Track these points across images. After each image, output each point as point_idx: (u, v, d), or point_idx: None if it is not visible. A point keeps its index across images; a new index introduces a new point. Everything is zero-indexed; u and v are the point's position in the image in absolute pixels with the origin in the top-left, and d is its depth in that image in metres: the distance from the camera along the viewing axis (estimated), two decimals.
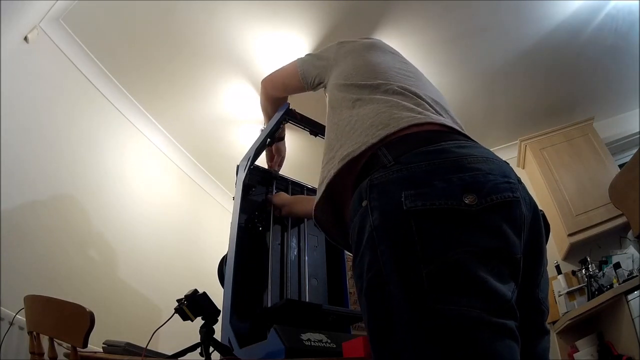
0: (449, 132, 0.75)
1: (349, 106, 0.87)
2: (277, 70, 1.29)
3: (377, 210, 0.64)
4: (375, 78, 0.90)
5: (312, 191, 1.90)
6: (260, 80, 1.37)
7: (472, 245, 0.58)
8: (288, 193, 1.80)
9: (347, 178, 0.77)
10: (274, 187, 1.73)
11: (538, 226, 0.70)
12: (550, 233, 0.77)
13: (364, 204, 0.66)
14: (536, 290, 0.69)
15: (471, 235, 0.59)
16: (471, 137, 0.79)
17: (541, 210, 0.73)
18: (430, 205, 0.60)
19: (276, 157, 1.60)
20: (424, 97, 0.85)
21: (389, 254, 0.60)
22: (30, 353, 1.08)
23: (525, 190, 0.70)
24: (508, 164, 0.71)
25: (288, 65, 1.21)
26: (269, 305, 1.38)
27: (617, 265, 2.44)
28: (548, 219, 0.77)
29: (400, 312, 0.57)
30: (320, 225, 0.89)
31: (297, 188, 1.85)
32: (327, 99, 1.01)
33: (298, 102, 1.57)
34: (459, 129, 0.79)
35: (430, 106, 0.83)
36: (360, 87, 0.90)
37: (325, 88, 1.09)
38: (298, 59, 1.18)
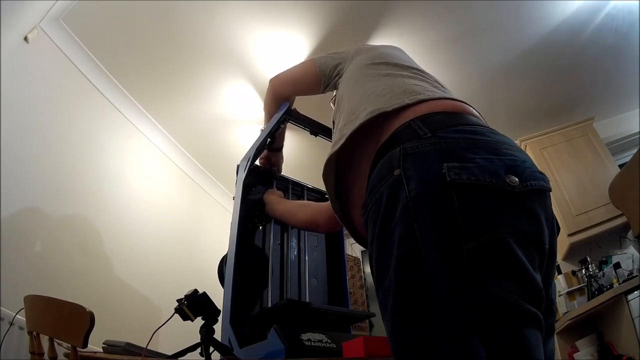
0: (480, 119, 0.76)
1: (377, 78, 0.84)
2: (288, 69, 1.28)
3: (414, 180, 0.60)
4: (403, 63, 0.90)
5: (312, 191, 1.90)
6: (269, 80, 1.35)
7: (514, 227, 0.56)
8: (288, 193, 1.80)
9: (368, 144, 0.73)
10: (274, 187, 1.73)
11: (554, 228, 0.67)
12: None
13: (396, 172, 0.62)
14: (548, 289, 0.65)
15: (513, 217, 0.57)
16: None
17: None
18: (476, 180, 0.57)
19: (269, 166, 1.56)
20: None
21: (428, 228, 0.56)
22: (30, 353, 1.08)
23: None
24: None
25: (302, 62, 1.21)
26: (269, 305, 1.38)
27: (617, 265, 2.44)
28: None
29: (439, 289, 0.53)
30: (325, 182, 0.82)
31: (297, 188, 1.86)
32: (345, 82, 0.98)
33: (299, 103, 1.57)
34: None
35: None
36: (390, 65, 0.88)
37: (339, 82, 1.06)
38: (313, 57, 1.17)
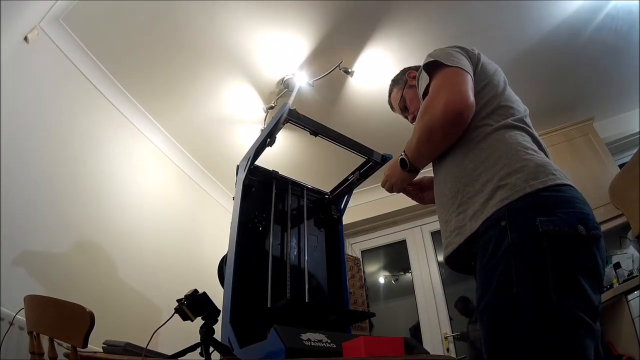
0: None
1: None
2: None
3: (516, 229, 0.83)
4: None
5: (312, 191, 1.90)
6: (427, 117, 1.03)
7: (581, 263, 0.80)
8: (287, 192, 1.80)
9: None
10: (274, 187, 1.73)
11: (604, 256, 0.89)
12: None
13: (502, 224, 0.85)
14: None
15: (581, 256, 0.81)
16: None
17: None
18: (559, 229, 0.81)
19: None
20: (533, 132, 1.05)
21: (521, 263, 0.81)
22: (30, 353, 1.08)
23: None
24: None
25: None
26: (269, 305, 1.38)
27: (617, 265, 2.44)
28: None
29: (526, 306, 0.78)
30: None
31: (297, 188, 1.86)
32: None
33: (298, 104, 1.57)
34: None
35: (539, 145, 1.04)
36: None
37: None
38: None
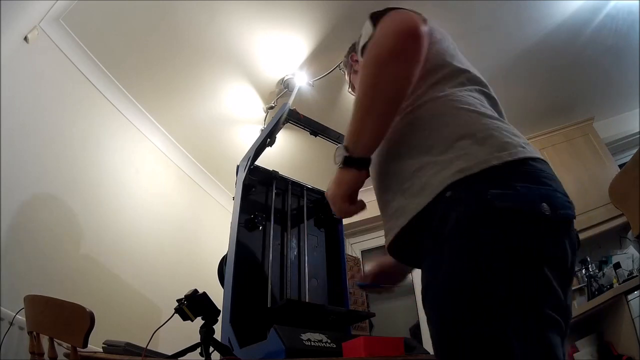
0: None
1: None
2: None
3: (463, 203, 0.68)
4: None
5: (312, 191, 1.90)
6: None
7: (545, 249, 0.66)
8: (287, 192, 1.80)
9: None
10: (274, 187, 1.73)
11: (576, 245, 0.75)
12: None
13: (447, 194, 0.69)
14: (565, 299, 0.75)
15: (545, 241, 0.67)
16: None
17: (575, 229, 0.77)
18: (516, 206, 0.66)
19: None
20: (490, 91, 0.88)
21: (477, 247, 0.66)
22: (30, 353, 1.08)
23: None
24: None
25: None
26: (269, 305, 1.38)
27: (617, 265, 2.44)
28: None
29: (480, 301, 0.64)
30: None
31: (297, 188, 1.86)
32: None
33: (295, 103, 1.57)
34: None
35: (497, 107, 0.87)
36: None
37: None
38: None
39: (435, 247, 0.70)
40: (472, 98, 0.82)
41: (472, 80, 0.87)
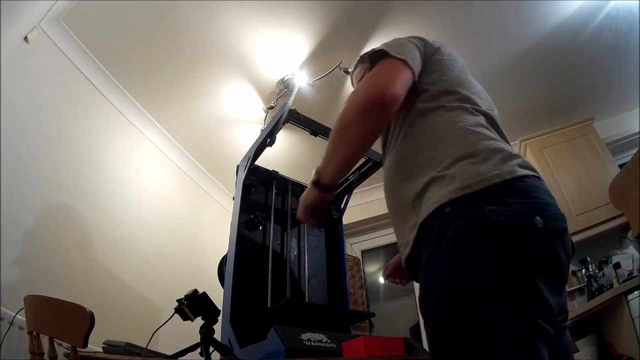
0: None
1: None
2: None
3: (460, 218, 0.74)
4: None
5: None
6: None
7: (538, 260, 0.71)
8: (287, 192, 1.80)
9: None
10: (274, 187, 1.73)
11: (570, 252, 0.80)
12: None
13: (447, 210, 0.75)
14: (559, 299, 0.79)
15: (539, 251, 0.72)
16: None
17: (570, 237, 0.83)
18: (511, 221, 0.72)
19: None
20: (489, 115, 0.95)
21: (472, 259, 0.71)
22: (30, 353, 1.08)
23: None
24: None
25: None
26: (269, 305, 1.38)
27: (617, 265, 2.44)
28: None
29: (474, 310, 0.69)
30: None
31: (296, 188, 1.86)
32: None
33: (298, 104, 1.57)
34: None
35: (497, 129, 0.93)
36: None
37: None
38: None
39: (432, 258, 0.76)
40: (474, 120, 0.90)
41: (475, 105, 0.94)
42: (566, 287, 0.85)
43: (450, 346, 0.70)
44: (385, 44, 0.99)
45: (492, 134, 0.88)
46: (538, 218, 0.72)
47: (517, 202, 0.74)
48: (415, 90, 0.95)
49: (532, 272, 0.70)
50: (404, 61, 0.92)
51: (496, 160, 0.79)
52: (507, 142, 0.92)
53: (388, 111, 0.89)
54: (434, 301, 0.74)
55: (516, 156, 0.82)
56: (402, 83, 0.90)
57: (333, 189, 1.01)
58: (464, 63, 1.08)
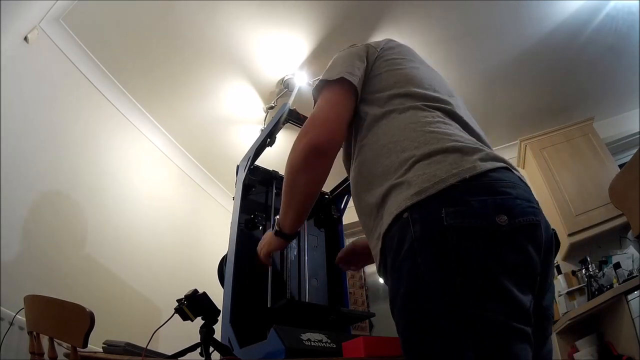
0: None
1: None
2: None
3: (417, 224, 0.71)
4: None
5: None
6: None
7: (502, 260, 0.66)
8: None
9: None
10: (274, 187, 1.73)
11: (550, 245, 0.76)
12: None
13: (404, 215, 0.72)
14: (542, 300, 0.76)
15: (502, 251, 0.67)
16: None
17: (553, 229, 0.78)
18: (468, 223, 0.68)
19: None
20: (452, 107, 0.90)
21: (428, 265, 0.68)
22: (30, 353, 1.08)
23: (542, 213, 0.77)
24: (529, 187, 0.78)
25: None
26: (269, 305, 1.38)
27: (617, 265, 2.44)
28: (548, 219, 0.78)
29: (438, 315, 0.66)
30: None
31: None
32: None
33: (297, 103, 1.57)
34: (485, 146, 0.83)
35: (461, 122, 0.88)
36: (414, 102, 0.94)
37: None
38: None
39: (394, 266, 0.74)
40: (429, 118, 0.85)
41: (429, 102, 0.90)
42: (552, 286, 0.80)
43: (417, 355, 0.69)
44: (327, 69, 1.00)
45: (450, 129, 0.83)
46: (503, 216, 0.68)
47: (477, 201, 0.69)
48: (364, 99, 0.95)
49: (496, 273, 0.65)
50: (341, 79, 0.93)
51: (454, 159, 0.75)
52: (474, 130, 0.89)
53: (329, 156, 0.91)
54: (400, 309, 0.72)
55: (477, 150, 0.77)
56: (343, 112, 0.92)
57: (294, 237, 1.08)
58: (413, 53, 1.06)
